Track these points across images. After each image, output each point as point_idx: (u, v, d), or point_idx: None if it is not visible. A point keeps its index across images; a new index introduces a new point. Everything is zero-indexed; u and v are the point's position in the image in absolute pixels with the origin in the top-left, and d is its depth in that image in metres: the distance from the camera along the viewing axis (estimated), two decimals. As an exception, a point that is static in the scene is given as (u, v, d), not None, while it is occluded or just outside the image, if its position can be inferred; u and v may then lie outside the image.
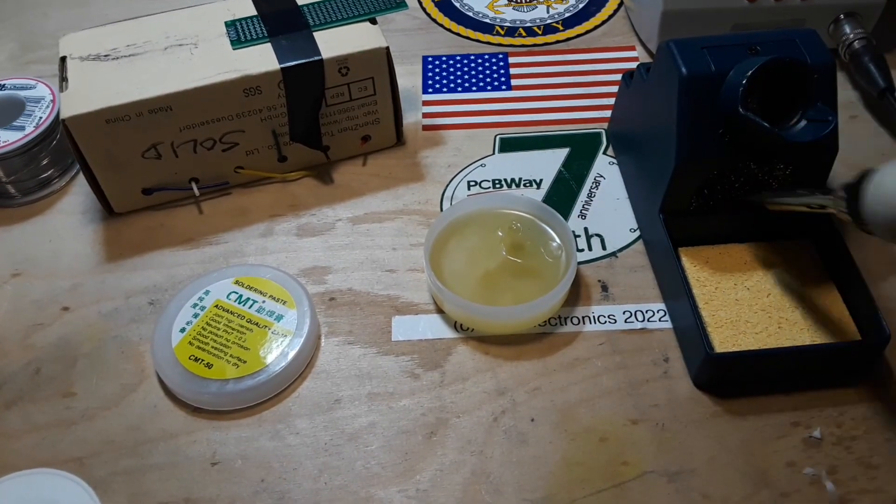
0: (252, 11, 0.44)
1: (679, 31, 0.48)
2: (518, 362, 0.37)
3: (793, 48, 0.35)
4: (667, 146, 0.36)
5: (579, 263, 0.40)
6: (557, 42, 0.54)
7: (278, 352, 0.36)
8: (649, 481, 0.33)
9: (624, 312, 0.38)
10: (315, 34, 0.42)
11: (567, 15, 0.56)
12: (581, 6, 0.57)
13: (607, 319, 0.38)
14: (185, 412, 0.36)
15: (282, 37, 0.42)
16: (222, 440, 0.35)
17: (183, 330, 0.37)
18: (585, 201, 0.43)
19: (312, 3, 0.44)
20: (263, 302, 0.37)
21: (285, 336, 0.36)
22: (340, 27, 0.43)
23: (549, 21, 0.55)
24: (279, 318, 0.37)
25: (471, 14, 0.56)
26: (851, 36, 0.47)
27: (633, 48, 0.53)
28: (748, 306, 0.36)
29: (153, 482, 0.33)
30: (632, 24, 0.54)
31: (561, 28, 0.55)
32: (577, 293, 0.39)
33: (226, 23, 0.43)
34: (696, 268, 0.38)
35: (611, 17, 0.56)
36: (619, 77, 0.45)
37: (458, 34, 0.55)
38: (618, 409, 0.35)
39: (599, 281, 0.40)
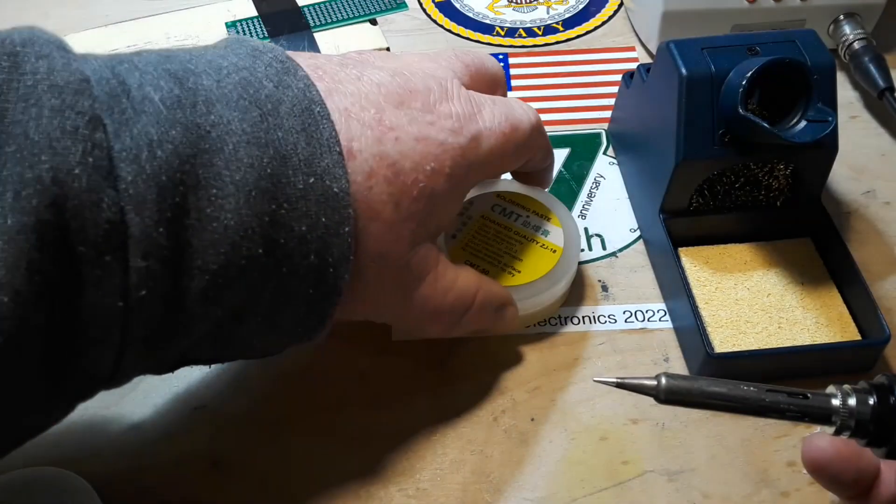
0: (253, 12, 0.44)
1: (679, 31, 0.48)
2: (518, 362, 0.37)
3: (793, 49, 0.35)
4: (667, 146, 0.36)
5: (580, 263, 0.40)
6: (557, 43, 0.54)
7: (550, 265, 0.36)
8: (649, 480, 0.33)
9: (624, 312, 0.38)
10: (315, 35, 0.42)
11: (567, 16, 0.56)
12: (581, 7, 0.57)
13: (607, 319, 0.38)
14: (185, 412, 0.36)
15: (282, 37, 0.42)
16: (222, 440, 0.35)
17: (454, 236, 0.37)
18: (585, 201, 0.44)
19: (313, 4, 0.44)
20: (528, 217, 0.37)
21: (555, 251, 0.36)
22: (341, 28, 0.43)
23: (548, 22, 0.56)
24: (545, 233, 0.37)
25: (471, 15, 0.57)
26: (851, 36, 0.47)
27: (632, 49, 0.53)
28: (748, 306, 0.36)
29: (153, 482, 0.33)
30: (632, 24, 0.54)
31: (561, 29, 0.55)
32: (577, 293, 0.39)
33: (226, 24, 0.43)
34: (696, 268, 0.38)
35: (611, 17, 0.56)
36: (619, 77, 0.45)
37: (458, 35, 0.55)
38: (618, 408, 0.35)
39: (599, 281, 0.40)
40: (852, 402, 0.22)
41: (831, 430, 0.23)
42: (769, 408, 0.22)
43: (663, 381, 0.23)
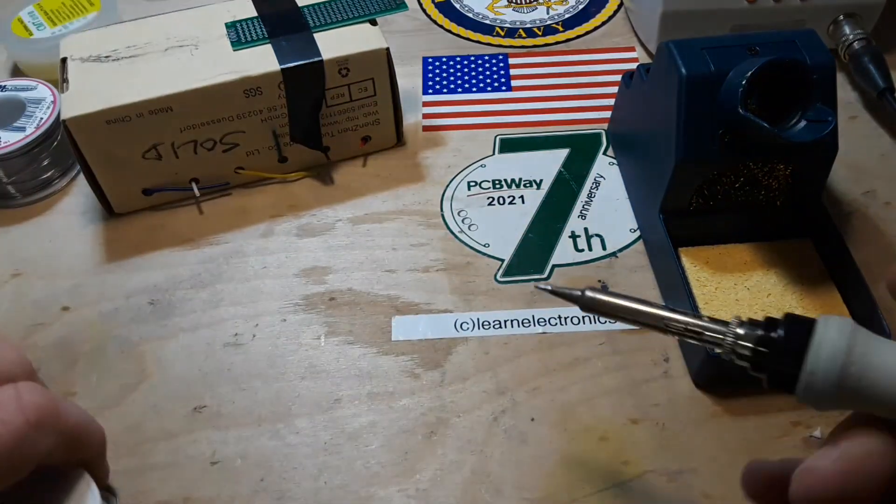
0: (252, 13, 0.44)
1: (679, 31, 0.48)
2: (518, 362, 0.37)
3: (792, 49, 0.35)
4: (666, 146, 0.36)
5: (580, 263, 0.40)
6: (557, 43, 0.54)
7: None
8: (650, 481, 0.33)
9: (624, 312, 0.38)
10: (315, 35, 0.42)
11: (567, 16, 0.56)
12: (581, 7, 0.57)
13: (607, 319, 0.38)
14: (185, 412, 0.36)
15: (282, 38, 0.42)
16: (222, 439, 0.35)
17: None
18: (585, 202, 0.44)
19: (313, 5, 0.44)
20: None
21: None
22: (341, 28, 0.43)
23: (548, 22, 0.56)
24: None
25: (471, 15, 0.57)
26: (851, 36, 0.47)
27: (632, 49, 0.53)
28: (748, 306, 0.36)
29: (153, 482, 0.33)
30: (631, 24, 0.54)
31: (561, 29, 0.55)
32: (577, 293, 0.39)
33: (226, 24, 0.43)
34: (696, 268, 0.38)
35: (610, 18, 0.56)
36: (618, 78, 0.45)
37: (458, 35, 0.55)
38: (618, 408, 0.35)
39: (599, 281, 0.40)
40: (741, 330, 0.24)
41: (720, 352, 0.24)
42: (669, 325, 0.24)
43: (587, 293, 0.26)
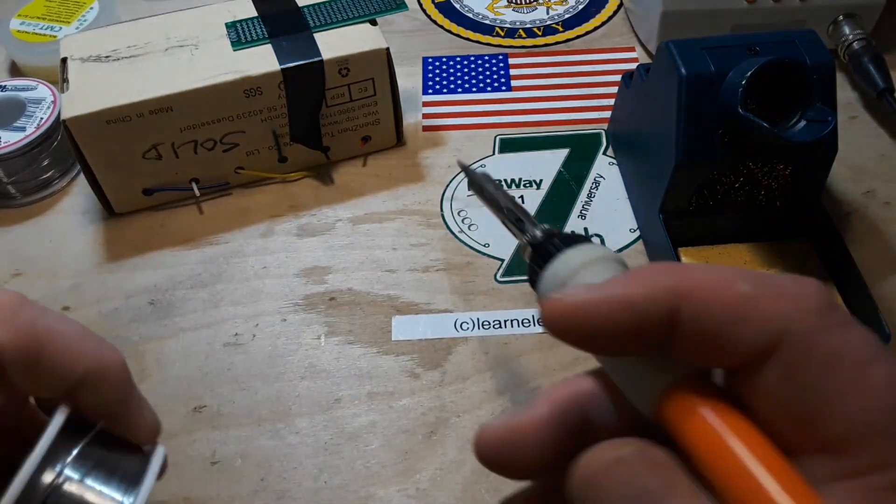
0: (252, 13, 0.44)
1: (678, 31, 0.48)
2: (518, 362, 0.37)
3: (792, 49, 0.35)
4: (666, 146, 0.36)
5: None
6: (557, 43, 0.54)
7: None
8: (649, 481, 0.33)
9: (624, 312, 0.38)
10: (315, 35, 0.42)
11: (567, 16, 0.56)
12: (581, 7, 0.57)
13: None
14: (185, 412, 0.36)
15: (282, 38, 0.42)
16: (222, 439, 0.35)
17: None
18: (585, 202, 0.44)
19: (313, 5, 0.44)
20: None
21: None
22: (341, 28, 0.43)
23: (548, 22, 0.56)
24: None
25: (471, 15, 0.57)
26: (851, 37, 0.47)
27: (632, 49, 0.53)
28: (748, 306, 0.36)
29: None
30: (631, 25, 0.54)
31: (561, 29, 0.55)
32: (576, 293, 0.39)
33: (226, 24, 0.43)
34: (695, 268, 0.38)
35: (610, 18, 0.56)
36: (618, 78, 0.45)
37: (458, 35, 0.55)
38: (618, 408, 0.35)
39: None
40: (538, 233, 0.24)
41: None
42: (504, 220, 0.27)
43: (479, 171, 0.31)
